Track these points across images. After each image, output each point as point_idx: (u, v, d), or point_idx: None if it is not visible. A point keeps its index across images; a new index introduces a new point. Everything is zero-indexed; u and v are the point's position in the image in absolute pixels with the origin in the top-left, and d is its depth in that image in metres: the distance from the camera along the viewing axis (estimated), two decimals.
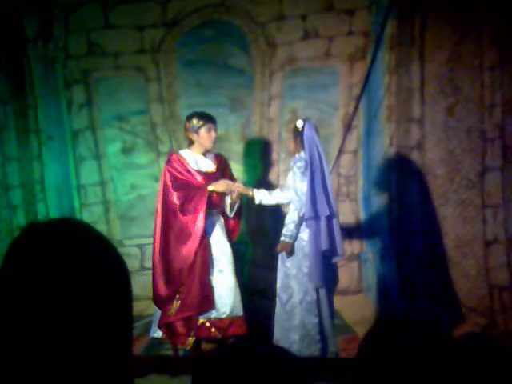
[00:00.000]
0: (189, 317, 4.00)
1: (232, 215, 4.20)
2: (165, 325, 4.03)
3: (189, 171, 4.09)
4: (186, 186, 4.05)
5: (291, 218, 3.98)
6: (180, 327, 4.01)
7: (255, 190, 4.12)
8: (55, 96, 5.39)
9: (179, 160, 4.10)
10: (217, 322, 4.01)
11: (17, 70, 4.98)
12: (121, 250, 4.84)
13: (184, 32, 5.27)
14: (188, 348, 4.01)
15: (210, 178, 4.09)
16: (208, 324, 4.01)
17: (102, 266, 0.85)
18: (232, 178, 4.27)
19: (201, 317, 4.00)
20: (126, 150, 5.51)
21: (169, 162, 4.14)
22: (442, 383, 1.10)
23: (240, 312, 4.04)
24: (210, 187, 4.02)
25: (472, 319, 4.24)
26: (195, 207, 3.99)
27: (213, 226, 4.13)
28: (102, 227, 5.18)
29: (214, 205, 4.11)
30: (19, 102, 5.00)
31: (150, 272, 4.66)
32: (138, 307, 4.30)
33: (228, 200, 4.13)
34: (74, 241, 0.84)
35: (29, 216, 4.91)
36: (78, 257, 0.82)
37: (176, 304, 4.01)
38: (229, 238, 4.21)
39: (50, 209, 5.13)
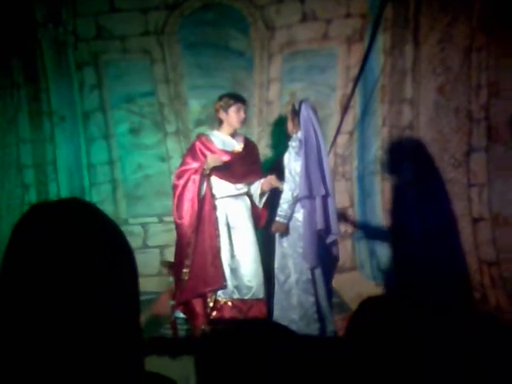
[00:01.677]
0: (202, 296, 4.04)
1: (261, 205, 4.25)
2: (181, 304, 4.10)
3: (212, 151, 4.15)
4: (186, 172, 4.15)
5: (285, 197, 4.01)
6: (198, 307, 4.05)
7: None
8: (67, 78, 5.47)
9: (202, 143, 4.18)
10: (239, 304, 4.06)
11: (29, 54, 5.10)
12: (125, 228, 4.98)
13: (185, 15, 5.29)
14: (204, 328, 4.02)
15: (235, 156, 4.17)
16: (230, 304, 4.05)
17: (106, 246, 0.86)
18: (258, 163, 4.35)
19: (222, 296, 4.04)
20: (134, 131, 5.60)
21: (190, 147, 4.29)
22: (434, 360, 1.13)
23: (261, 294, 4.08)
24: (207, 165, 4.06)
25: (465, 295, 4.34)
26: (189, 191, 4.09)
27: (237, 208, 4.18)
28: (109, 206, 5.35)
29: (236, 180, 4.16)
30: (32, 85, 5.14)
31: (152, 250, 4.83)
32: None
33: (258, 190, 4.19)
34: (79, 221, 0.85)
35: (40, 195, 5.08)
36: (82, 236, 0.83)
37: (183, 282, 4.07)
38: (254, 221, 4.24)
39: (61, 188, 5.27)
